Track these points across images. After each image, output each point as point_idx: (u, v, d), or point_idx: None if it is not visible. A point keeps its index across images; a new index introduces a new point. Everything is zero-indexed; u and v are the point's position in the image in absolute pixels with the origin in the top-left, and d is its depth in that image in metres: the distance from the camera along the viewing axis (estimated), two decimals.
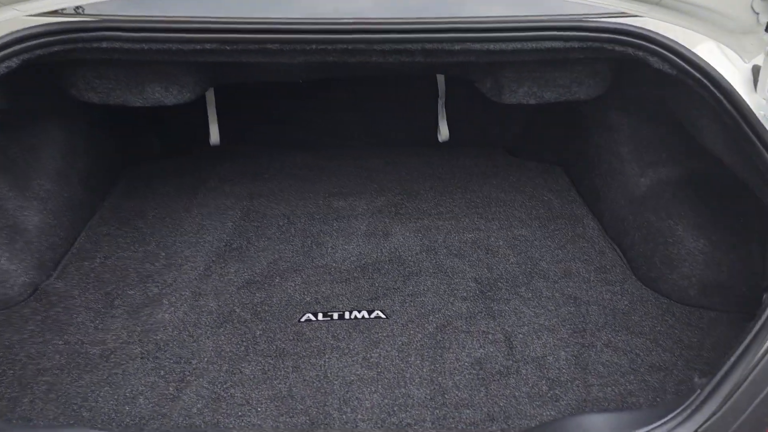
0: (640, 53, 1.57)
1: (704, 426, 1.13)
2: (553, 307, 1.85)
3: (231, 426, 1.46)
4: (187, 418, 1.48)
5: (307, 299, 1.88)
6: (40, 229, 1.97)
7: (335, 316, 1.81)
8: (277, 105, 2.69)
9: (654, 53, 1.55)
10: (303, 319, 1.79)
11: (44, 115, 2.03)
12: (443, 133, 2.75)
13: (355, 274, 1.99)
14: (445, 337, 1.73)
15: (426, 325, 1.78)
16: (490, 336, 1.74)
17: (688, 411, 1.15)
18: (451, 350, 1.69)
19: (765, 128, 1.37)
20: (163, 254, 2.07)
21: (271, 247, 2.12)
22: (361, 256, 2.08)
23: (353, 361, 1.64)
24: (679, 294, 1.89)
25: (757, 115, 1.39)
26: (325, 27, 1.57)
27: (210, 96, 2.52)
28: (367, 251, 2.10)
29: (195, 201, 2.37)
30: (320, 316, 1.80)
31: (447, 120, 2.73)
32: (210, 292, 1.90)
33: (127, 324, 1.77)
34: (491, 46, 1.59)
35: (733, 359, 1.17)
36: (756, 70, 1.44)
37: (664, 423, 1.14)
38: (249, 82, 2.09)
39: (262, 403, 1.52)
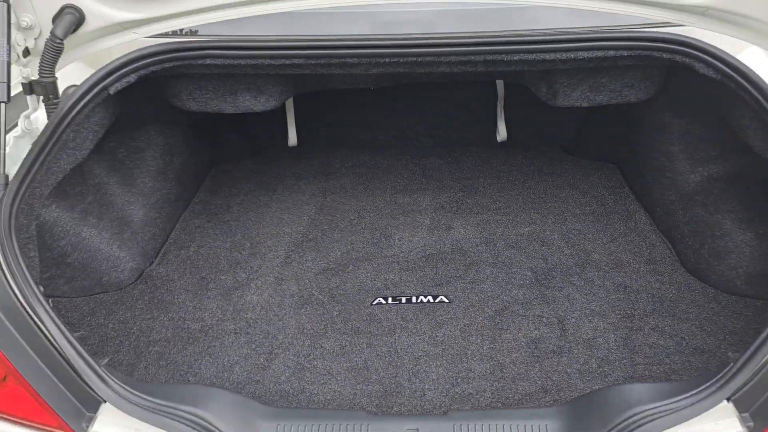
0: (687, 60, 1.70)
1: (736, 395, 1.27)
2: (604, 295, 1.99)
3: (315, 392, 1.68)
4: (276, 385, 1.71)
5: (378, 285, 2.08)
6: (144, 222, 2.25)
7: (403, 300, 2.01)
8: (347, 110, 2.91)
9: (699, 59, 1.67)
10: (374, 303, 2.00)
11: (148, 121, 2.30)
12: (501, 133, 2.91)
13: (420, 264, 2.18)
14: (503, 320, 1.90)
15: (485, 309, 1.96)
16: (544, 319, 1.90)
17: (721, 381, 1.29)
18: (508, 331, 1.86)
19: None
20: (248, 244, 2.31)
21: (344, 238, 2.34)
22: (426, 248, 2.27)
23: (420, 339, 1.84)
24: (726, 284, 2.00)
25: None
26: (397, 42, 1.76)
27: (289, 103, 2.76)
28: (431, 243, 2.29)
29: (274, 197, 2.61)
30: (390, 300, 2.00)
31: (505, 121, 2.89)
32: (291, 278, 2.13)
33: (221, 304, 2.01)
34: (546, 56, 1.75)
35: (764, 336, 1.31)
36: None
37: (698, 392, 1.29)
38: (325, 90, 2.31)
39: (341, 374, 1.73)
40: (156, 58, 1.72)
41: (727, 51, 1.64)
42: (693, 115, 2.27)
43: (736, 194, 2.10)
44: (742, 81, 1.62)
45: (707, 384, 1.30)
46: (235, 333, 1.90)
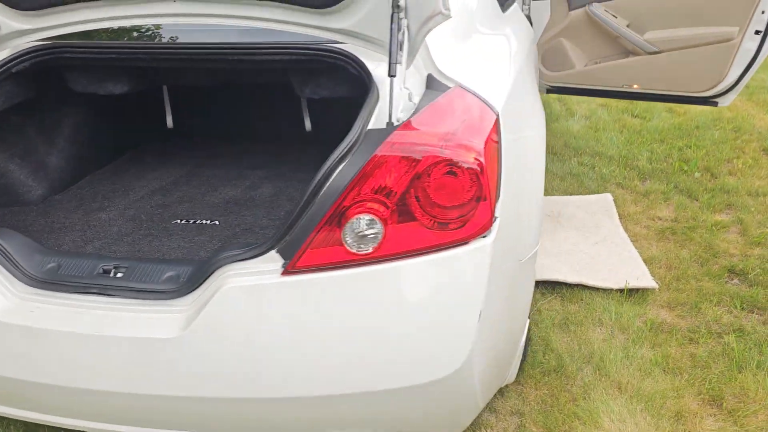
0: (343, 63, 1.89)
1: (279, 246, 1.52)
2: None
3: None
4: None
5: (183, 212, 2.46)
6: (54, 168, 2.63)
7: (191, 221, 2.36)
8: (205, 103, 3.28)
9: (348, 63, 1.87)
10: (173, 222, 2.37)
11: (66, 100, 2.72)
12: (306, 125, 3.24)
13: (221, 205, 2.53)
14: (244, 234, 2.27)
15: (236, 229, 2.31)
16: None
17: (274, 240, 1.55)
18: (236, 238, 2.23)
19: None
20: (122, 190, 2.67)
21: (181, 189, 2.69)
22: (233, 196, 2.61)
23: (188, 242, 2.21)
24: None
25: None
26: (176, 50, 2.07)
27: (166, 94, 3.19)
28: (238, 194, 2.64)
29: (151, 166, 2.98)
30: (184, 221, 2.37)
31: (309, 114, 3.22)
32: (132, 207, 2.49)
33: (80, 216, 2.40)
34: (245, 59, 2.02)
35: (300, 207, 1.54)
36: None
37: (259, 246, 1.56)
38: (176, 84, 2.64)
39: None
40: (32, 54, 2.09)
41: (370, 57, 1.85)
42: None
43: None
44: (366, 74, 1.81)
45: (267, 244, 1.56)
46: (76, 230, 2.28)
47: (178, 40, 2.05)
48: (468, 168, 1.48)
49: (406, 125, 1.52)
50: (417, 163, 1.47)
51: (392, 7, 1.59)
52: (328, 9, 1.68)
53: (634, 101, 5.06)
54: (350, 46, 1.79)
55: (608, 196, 3.57)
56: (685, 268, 2.91)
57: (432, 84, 1.71)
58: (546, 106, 5.14)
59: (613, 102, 5.17)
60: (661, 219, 3.38)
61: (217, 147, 3.25)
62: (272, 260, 1.50)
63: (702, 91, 3.70)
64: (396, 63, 1.58)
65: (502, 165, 1.60)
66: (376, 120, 1.60)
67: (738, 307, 2.66)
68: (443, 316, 1.49)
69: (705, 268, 2.91)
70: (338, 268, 1.47)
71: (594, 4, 3.86)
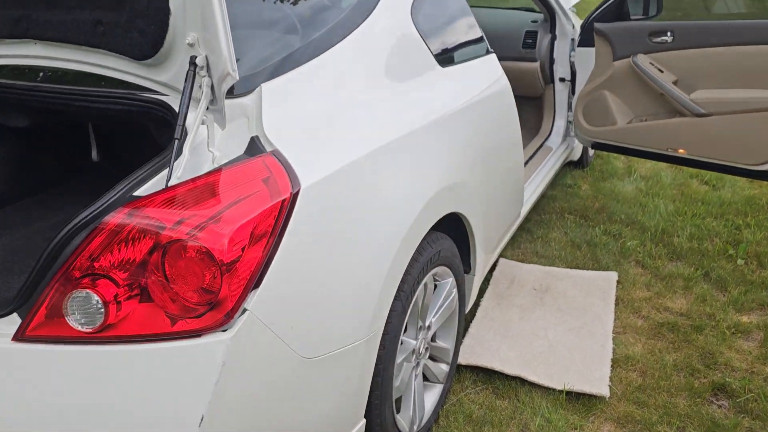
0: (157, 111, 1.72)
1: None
2: None
3: None
4: None
5: None
6: None
7: None
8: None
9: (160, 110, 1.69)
10: None
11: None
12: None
13: None
14: None
15: None
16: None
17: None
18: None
19: None
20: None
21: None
22: None
23: None
24: None
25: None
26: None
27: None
28: None
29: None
30: None
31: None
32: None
33: None
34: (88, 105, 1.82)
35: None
36: None
37: None
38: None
39: None
40: None
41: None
42: None
43: None
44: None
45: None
46: None
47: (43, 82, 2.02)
48: (207, 254, 1.30)
49: (164, 193, 1.37)
50: (151, 240, 1.31)
51: (189, 64, 1.46)
52: (150, 61, 1.58)
53: None
54: (172, 98, 1.67)
55: (613, 275, 3.11)
56: (663, 378, 2.43)
57: (251, 148, 1.54)
58: (606, 161, 4.66)
59: None
60: (668, 311, 2.88)
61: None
62: (12, 323, 1.41)
63: (754, 165, 3.15)
64: (181, 125, 1.45)
65: (277, 251, 1.40)
66: (156, 183, 1.46)
67: None
68: (163, 414, 1.31)
69: (688, 381, 2.41)
70: (60, 343, 1.34)
71: (639, 55, 3.44)
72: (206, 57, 1.44)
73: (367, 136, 1.73)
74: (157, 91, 1.66)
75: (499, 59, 4.00)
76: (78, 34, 1.66)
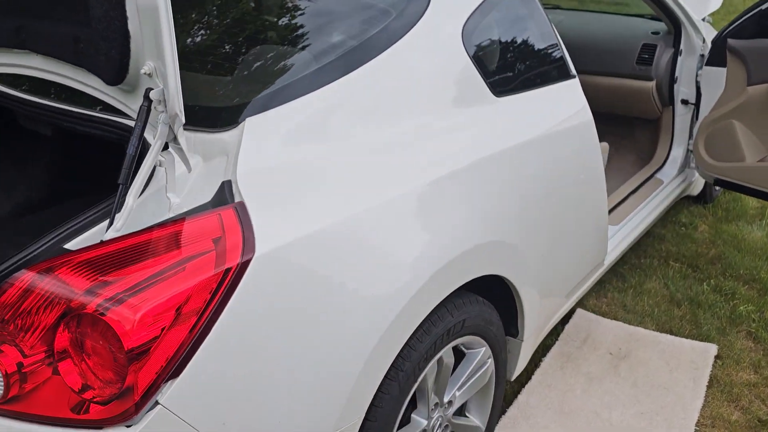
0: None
1: None
2: None
3: None
4: None
5: None
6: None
7: None
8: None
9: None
10: None
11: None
12: None
13: None
14: None
15: None
16: None
17: None
18: None
19: None
20: None
21: None
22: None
23: None
24: None
25: None
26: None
27: None
28: None
29: None
30: None
31: None
32: None
33: None
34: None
35: None
36: None
37: None
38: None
39: None
40: None
41: None
42: None
43: None
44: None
45: None
46: None
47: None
48: (114, 335, 1.09)
49: (94, 250, 1.18)
50: (62, 307, 1.12)
51: (144, 98, 1.26)
52: (123, 86, 1.39)
53: None
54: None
55: (712, 348, 2.58)
56: None
57: (218, 195, 1.31)
58: (735, 198, 3.99)
59: None
60: None
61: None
62: None
63: None
64: (127, 168, 1.25)
65: (209, 332, 1.15)
66: (94, 234, 1.27)
67: None
68: None
69: None
70: None
71: None
72: (163, 90, 1.23)
73: (367, 187, 1.44)
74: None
75: (607, 75, 3.49)
76: (62, 50, 1.51)
